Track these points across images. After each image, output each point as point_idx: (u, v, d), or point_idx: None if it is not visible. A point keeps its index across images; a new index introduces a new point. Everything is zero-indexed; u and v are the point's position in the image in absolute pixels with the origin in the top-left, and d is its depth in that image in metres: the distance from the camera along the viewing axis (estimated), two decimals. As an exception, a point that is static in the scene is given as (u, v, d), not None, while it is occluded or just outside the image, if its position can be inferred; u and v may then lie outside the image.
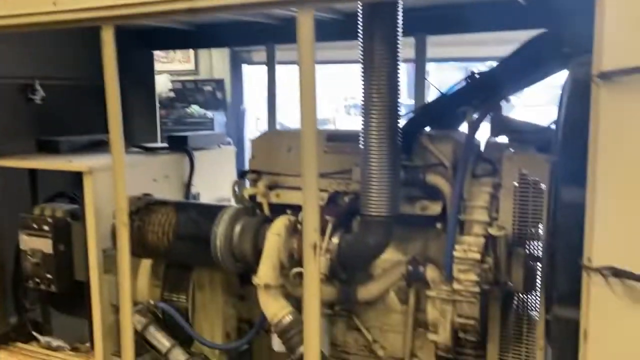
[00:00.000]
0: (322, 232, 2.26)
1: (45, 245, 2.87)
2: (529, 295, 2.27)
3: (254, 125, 8.13)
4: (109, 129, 2.47)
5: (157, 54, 5.10)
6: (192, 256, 2.58)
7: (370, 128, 2.19)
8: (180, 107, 7.52)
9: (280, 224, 2.42)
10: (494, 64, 2.47)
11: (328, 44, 2.72)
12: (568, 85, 1.68)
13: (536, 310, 2.26)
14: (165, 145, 3.42)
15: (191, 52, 7.84)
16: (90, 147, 3.30)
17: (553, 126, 2.33)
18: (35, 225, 2.89)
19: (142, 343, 2.72)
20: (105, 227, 2.75)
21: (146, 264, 2.88)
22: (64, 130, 3.37)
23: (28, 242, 2.92)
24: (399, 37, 2.18)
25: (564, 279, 1.72)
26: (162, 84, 7.36)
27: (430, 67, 3.92)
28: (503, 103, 2.41)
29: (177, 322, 2.72)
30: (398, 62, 2.19)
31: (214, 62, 7.81)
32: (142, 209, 2.69)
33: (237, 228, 2.51)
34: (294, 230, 2.43)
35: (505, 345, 2.28)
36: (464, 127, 2.59)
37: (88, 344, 2.99)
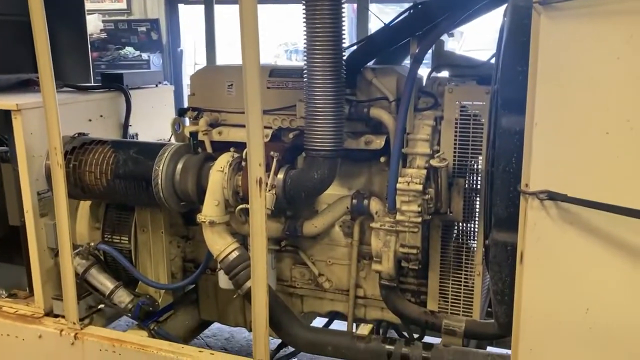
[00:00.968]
0: (267, 168, 2.24)
1: (-27, 189, 2.73)
2: (467, 225, 2.35)
3: (193, 71, 7.84)
4: (38, 65, 2.34)
5: (86, -10, 4.80)
6: (133, 196, 2.51)
7: (314, 62, 2.16)
8: (114, 49, 7.15)
9: (223, 161, 2.39)
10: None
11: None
12: (509, 12, 1.69)
13: (474, 239, 2.35)
14: (99, 84, 3.26)
15: (123, -10, 7.43)
16: (18, 86, 3.12)
17: (493, 61, 2.37)
18: (-39, 169, 2.73)
19: (84, 286, 2.67)
20: (39, 169, 2.63)
21: (85, 206, 2.79)
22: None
23: (-46, 186, 2.77)
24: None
25: (502, 205, 1.78)
26: (93, 25, 6.95)
27: (372, 8, 3.86)
28: (445, 37, 2.42)
29: (119, 263, 2.68)
30: (341, -7, 2.14)
31: (148, 1, 7.43)
32: (78, 148, 2.58)
33: (179, 166, 2.46)
34: (238, 167, 2.40)
35: (445, 273, 2.38)
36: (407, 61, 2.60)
37: (27, 290, 2.91)
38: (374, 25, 3.43)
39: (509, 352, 2.20)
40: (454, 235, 2.37)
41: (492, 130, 1.96)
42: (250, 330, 2.89)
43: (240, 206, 2.36)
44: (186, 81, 6.66)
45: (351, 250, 2.52)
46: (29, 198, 2.62)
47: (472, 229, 2.35)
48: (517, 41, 1.63)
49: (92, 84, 3.55)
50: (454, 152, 2.27)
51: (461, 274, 2.36)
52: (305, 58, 2.20)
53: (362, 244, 2.51)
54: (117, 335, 2.54)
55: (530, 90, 1.56)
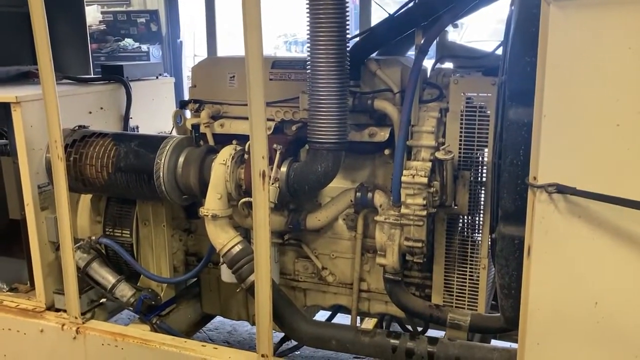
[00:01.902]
0: (270, 161, 2.22)
1: (-27, 183, 2.70)
2: (472, 218, 2.33)
3: (192, 63, 7.78)
4: (37, 57, 2.30)
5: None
6: (135, 190, 2.48)
7: (318, 53, 2.12)
8: (113, 41, 7.11)
9: (226, 153, 2.36)
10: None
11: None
12: (517, 2, 1.66)
13: (479, 232, 2.33)
14: (99, 76, 3.23)
15: (121, -20, 7.37)
16: (16, 79, 3.09)
17: (498, 52, 2.34)
18: (-40, 162, 2.70)
19: (85, 280, 2.65)
20: (39, 162, 2.61)
21: (86, 199, 2.77)
22: (-15, 60, 3.13)
23: (-46, 180, 2.74)
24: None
25: (510, 198, 1.76)
26: (92, 16, 6.90)
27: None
28: (448, 28, 2.39)
29: (121, 257, 2.66)
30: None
31: (147, -9, 7.40)
32: (78, 141, 2.55)
33: (181, 159, 2.43)
34: (241, 160, 2.38)
35: (450, 266, 2.36)
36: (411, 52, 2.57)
37: (28, 284, 2.89)
38: (376, 17, 3.39)
39: (514, 345, 2.19)
40: (459, 228, 2.35)
41: (499, 123, 1.93)
42: (252, 324, 2.88)
43: (243, 199, 2.33)
44: (186, 73, 6.62)
45: (355, 244, 2.50)
46: (29, 191, 2.60)
47: (477, 222, 2.33)
48: (525, 31, 1.61)
49: (92, 76, 3.51)
50: (460, 145, 2.24)
51: (466, 267, 2.34)
52: (308, 49, 2.16)
53: (366, 237, 2.49)
54: (119, 330, 2.53)
55: (539, 81, 1.53)
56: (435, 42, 2.32)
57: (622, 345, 1.60)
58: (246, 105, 2.53)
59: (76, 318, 2.56)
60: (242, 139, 2.51)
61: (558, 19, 1.48)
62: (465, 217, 2.32)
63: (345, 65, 2.16)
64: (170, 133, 2.90)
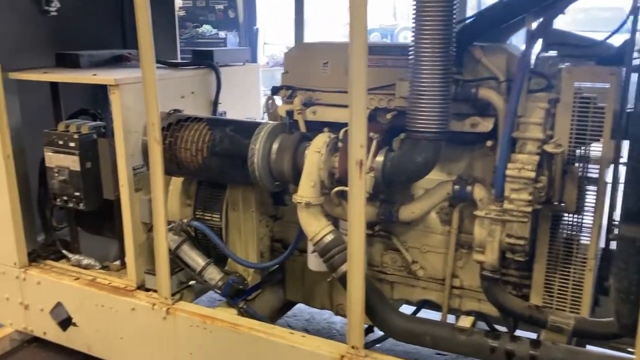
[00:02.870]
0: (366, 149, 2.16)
1: (71, 162, 2.78)
2: (579, 216, 2.20)
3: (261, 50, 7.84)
4: (139, 41, 2.33)
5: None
6: (228, 174, 2.49)
7: (423, 38, 2.04)
8: (192, 27, 7.23)
9: (320, 141, 2.32)
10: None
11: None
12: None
13: (587, 231, 2.19)
14: (189, 61, 3.26)
15: (201, -33, 7.46)
16: (111, 62, 3.15)
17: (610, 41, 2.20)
18: (60, 142, 2.78)
19: (175, 262, 2.69)
20: (135, 144, 2.66)
21: (177, 182, 2.80)
22: (80, 44, 3.21)
23: (54, 159, 2.83)
24: None
25: (634, 197, 1.63)
26: (172, 2, 7.04)
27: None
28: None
29: (210, 241, 2.68)
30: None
31: (226, -22, 7.45)
32: (174, 125, 2.58)
33: (275, 145, 2.41)
34: (335, 148, 2.34)
35: (552, 266, 2.24)
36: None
37: (118, 262, 2.97)
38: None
39: (622, 355, 2.06)
40: (564, 226, 2.22)
41: (622, 115, 1.80)
42: (336, 313, 2.85)
43: (337, 188, 2.29)
44: (262, 60, 6.66)
45: (448, 238, 2.42)
46: (124, 173, 2.65)
47: (584, 221, 2.19)
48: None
49: (183, 60, 3.56)
50: (570, 138, 2.11)
51: (570, 268, 2.21)
52: (412, 33, 2.09)
53: (461, 232, 2.40)
54: (208, 312, 2.55)
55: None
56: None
57: None
58: (339, 92, 2.52)
59: (166, 299, 2.61)
60: (334, 126, 2.48)
61: None
62: (572, 215, 2.19)
63: (450, 51, 2.07)
64: (263, 119, 2.89)
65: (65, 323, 2.92)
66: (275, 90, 2.70)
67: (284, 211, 2.84)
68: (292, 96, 2.62)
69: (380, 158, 2.24)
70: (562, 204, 2.14)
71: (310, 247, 2.46)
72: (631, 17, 2.06)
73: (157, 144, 2.40)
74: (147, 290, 2.74)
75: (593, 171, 2.14)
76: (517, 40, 2.50)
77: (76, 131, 2.79)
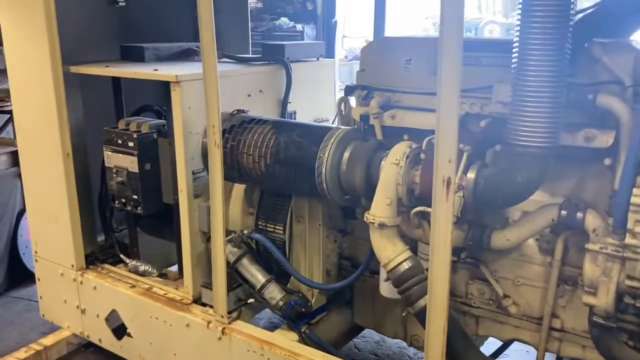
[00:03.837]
0: (454, 163, 1.82)
1: (130, 162, 2.61)
2: None
3: (339, 43, 7.54)
4: (200, 35, 2.10)
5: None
6: (292, 185, 2.21)
7: (532, 32, 1.67)
8: (269, 19, 7.05)
9: (399, 152, 2.00)
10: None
11: None
12: None
13: None
14: (258, 56, 3.01)
15: (278, -42, 7.27)
16: (178, 56, 2.96)
17: None
18: (119, 141, 2.62)
19: (233, 276, 2.45)
20: (195, 146, 2.44)
21: (239, 189, 2.57)
22: (149, 37, 3.05)
23: (112, 158, 2.68)
24: None
25: None
26: (249, -6, 6.90)
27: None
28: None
29: (272, 255, 2.42)
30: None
31: (304, -31, 7.22)
32: (237, 127, 2.34)
33: (347, 154, 2.11)
34: (416, 160, 2.01)
35: (683, 316, 1.81)
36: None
37: (175, 269, 2.79)
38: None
39: None
40: (702, 268, 1.78)
41: None
42: (410, 344, 2.52)
43: (418, 208, 1.96)
44: (340, 54, 6.38)
45: (549, 271, 2.04)
46: (183, 177, 2.45)
47: None
48: None
49: (252, 55, 3.32)
50: None
51: None
52: (518, 26, 1.72)
53: (564, 264, 2.01)
54: (266, 337, 2.30)
55: None
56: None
57: None
58: (423, 94, 2.18)
59: (222, 317, 2.38)
60: (415, 133, 2.15)
61: None
62: None
63: (565, 49, 1.69)
64: (333, 122, 2.60)
65: (120, 332, 2.77)
66: (349, 91, 2.39)
67: (355, 225, 2.53)
68: (368, 97, 2.29)
69: (471, 175, 1.89)
70: (702, 242, 1.71)
71: (383, 274, 2.15)
72: None
73: (217, 147, 2.16)
74: (204, 305, 2.53)
75: None
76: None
77: (136, 130, 2.61)
